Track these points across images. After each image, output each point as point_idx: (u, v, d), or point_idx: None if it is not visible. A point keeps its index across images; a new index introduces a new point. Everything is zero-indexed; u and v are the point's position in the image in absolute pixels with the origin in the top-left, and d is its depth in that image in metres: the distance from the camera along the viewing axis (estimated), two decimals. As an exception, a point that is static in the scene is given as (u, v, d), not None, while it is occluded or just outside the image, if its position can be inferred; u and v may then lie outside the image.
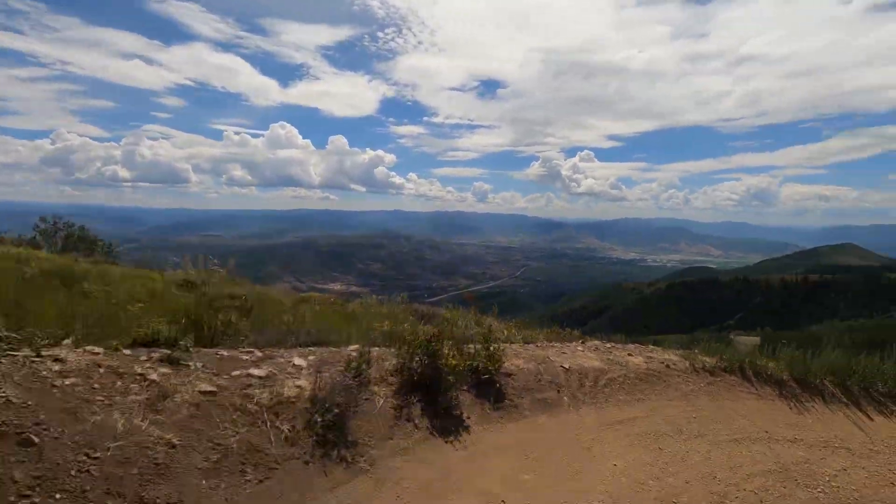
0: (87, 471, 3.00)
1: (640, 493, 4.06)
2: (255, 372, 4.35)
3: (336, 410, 4.04)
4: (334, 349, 5.52)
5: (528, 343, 7.11)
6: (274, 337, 5.67)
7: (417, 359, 4.93)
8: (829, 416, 6.15)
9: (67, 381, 3.55)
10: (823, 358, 6.93)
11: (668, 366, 6.52)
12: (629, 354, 6.78)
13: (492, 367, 5.34)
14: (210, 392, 3.92)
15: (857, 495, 4.45)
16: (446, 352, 5.06)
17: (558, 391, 5.47)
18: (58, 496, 2.81)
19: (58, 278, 7.38)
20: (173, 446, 3.37)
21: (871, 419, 6.21)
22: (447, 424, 4.62)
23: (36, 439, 3.00)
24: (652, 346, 7.50)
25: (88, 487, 2.92)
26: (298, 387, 4.28)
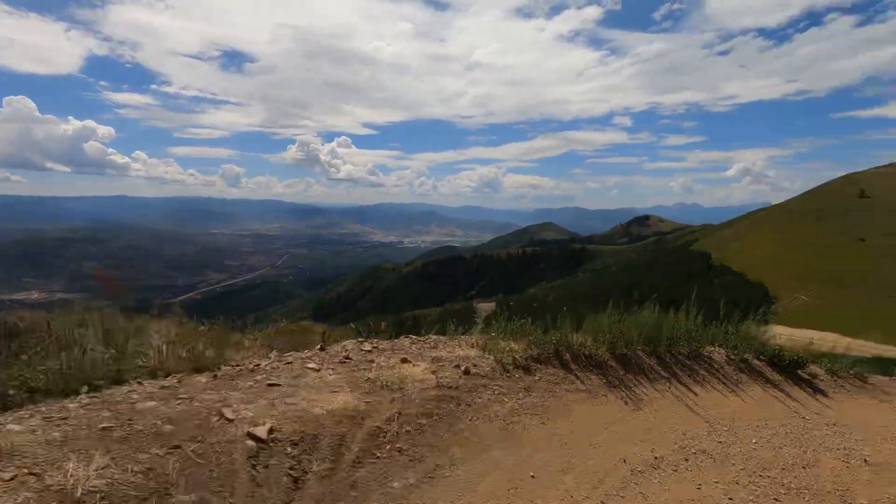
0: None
1: None
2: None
3: None
4: None
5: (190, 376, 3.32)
6: None
7: None
8: (665, 403, 4.43)
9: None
10: (633, 321, 5.36)
11: (467, 371, 3.77)
12: (404, 360, 3.77)
13: None
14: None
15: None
16: None
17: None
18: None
19: None
20: None
21: (697, 394, 4.79)
22: None
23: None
24: (435, 338, 4.71)
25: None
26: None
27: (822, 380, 5.67)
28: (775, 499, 3.06)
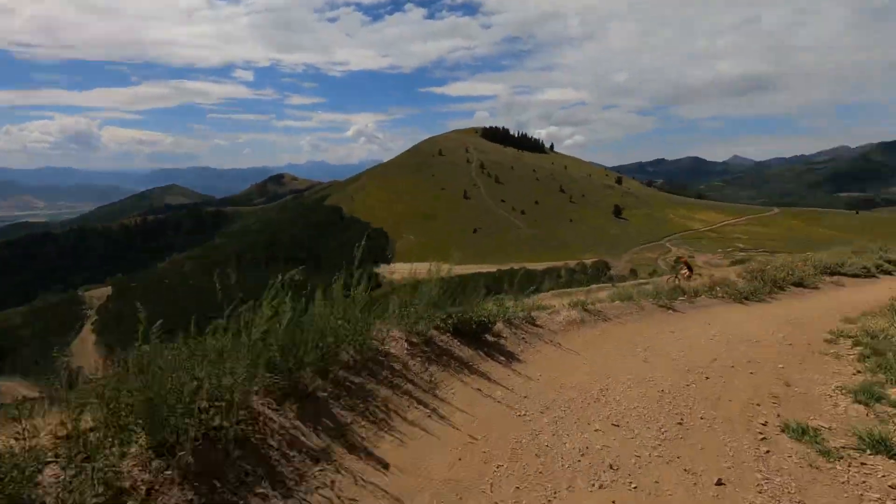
0: None
1: None
2: None
3: None
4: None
5: None
6: None
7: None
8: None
9: None
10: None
11: None
12: None
13: None
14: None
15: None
16: None
17: None
18: None
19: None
20: None
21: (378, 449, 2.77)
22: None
23: None
24: None
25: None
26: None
27: (506, 337, 4.74)
28: None
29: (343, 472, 2.47)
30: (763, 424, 3.35)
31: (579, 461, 2.83)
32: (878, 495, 2.57)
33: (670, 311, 7.79)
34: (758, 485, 2.66)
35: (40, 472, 1.85)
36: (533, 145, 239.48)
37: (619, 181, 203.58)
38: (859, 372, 4.48)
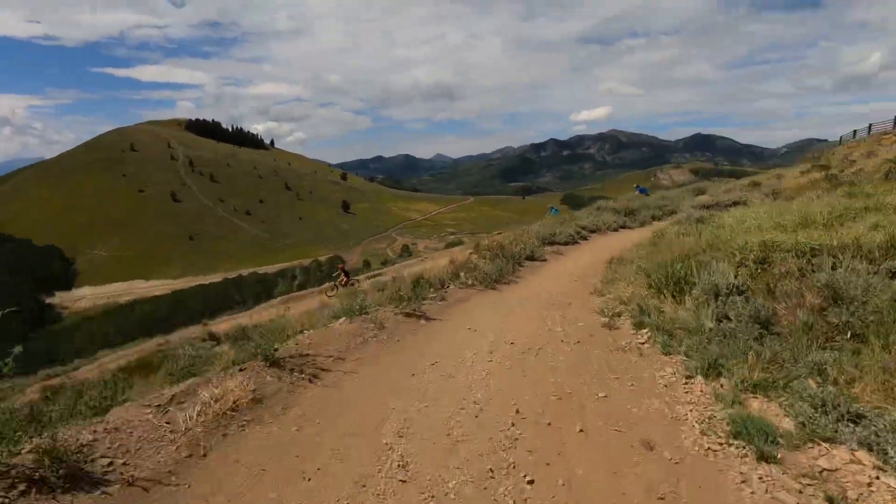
0: None
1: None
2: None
3: None
4: None
5: None
6: None
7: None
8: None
9: None
10: None
11: None
12: None
13: None
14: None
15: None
16: None
17: None
18: None
19: None
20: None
21: None
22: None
23: None
24: None
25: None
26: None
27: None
28: None
29: None
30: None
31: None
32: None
33: (421, 321, 6.61)
34: None
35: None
36: (251, 141, 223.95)
37: (343, 177, 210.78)
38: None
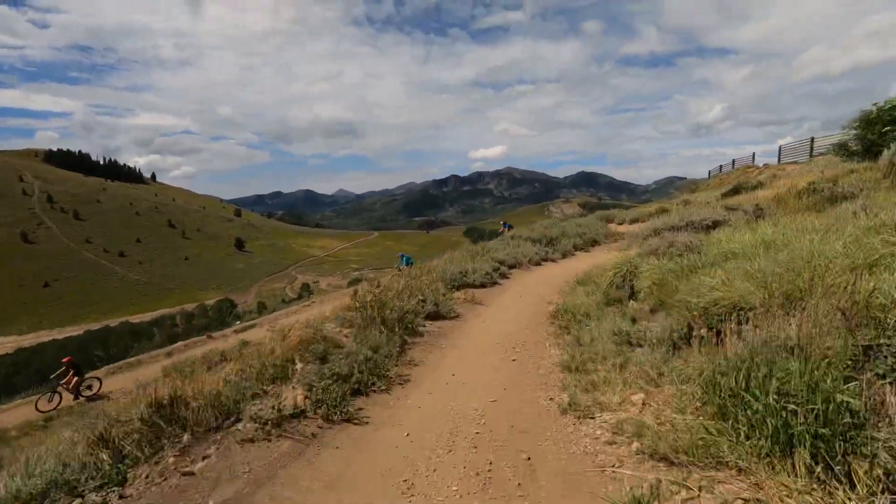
0: None
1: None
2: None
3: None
4: None
5: None
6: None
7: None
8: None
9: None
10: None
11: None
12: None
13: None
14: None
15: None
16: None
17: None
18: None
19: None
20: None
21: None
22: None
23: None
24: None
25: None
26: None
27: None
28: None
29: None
30: None
31: None
32: None
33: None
34: None
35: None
36: (128, 174, 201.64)
37: (238, 213, 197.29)
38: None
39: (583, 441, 3.42)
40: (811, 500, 2.15)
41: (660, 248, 6.88)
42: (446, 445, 3.67)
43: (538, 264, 13.90)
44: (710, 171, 31.50)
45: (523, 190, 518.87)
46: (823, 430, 2.32)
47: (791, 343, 2.71)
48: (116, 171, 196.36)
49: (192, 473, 3.33)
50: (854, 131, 11.82)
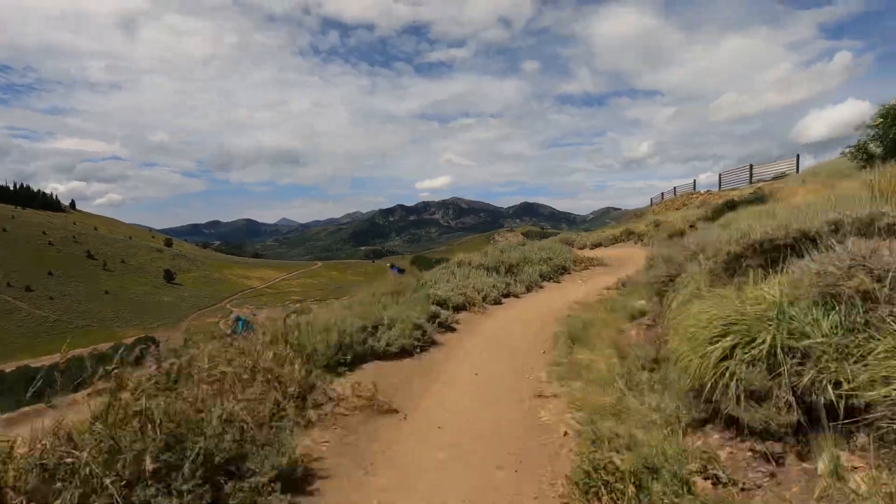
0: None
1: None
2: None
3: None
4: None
5: None
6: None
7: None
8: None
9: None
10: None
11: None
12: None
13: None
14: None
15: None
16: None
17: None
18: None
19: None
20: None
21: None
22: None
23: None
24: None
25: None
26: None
27: None
28: None
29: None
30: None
31: None
32: None
33: None
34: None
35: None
36: (42, 201, 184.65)
37: (168, 243, 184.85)
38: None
39: None
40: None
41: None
42: None
43: (497, 302, 10.85)
44: (651, 199, 33.39)
45: (469, 220, 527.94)
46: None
47: None
48: (30, 198, 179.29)
49: None
50: (872, 130, 9.54)
